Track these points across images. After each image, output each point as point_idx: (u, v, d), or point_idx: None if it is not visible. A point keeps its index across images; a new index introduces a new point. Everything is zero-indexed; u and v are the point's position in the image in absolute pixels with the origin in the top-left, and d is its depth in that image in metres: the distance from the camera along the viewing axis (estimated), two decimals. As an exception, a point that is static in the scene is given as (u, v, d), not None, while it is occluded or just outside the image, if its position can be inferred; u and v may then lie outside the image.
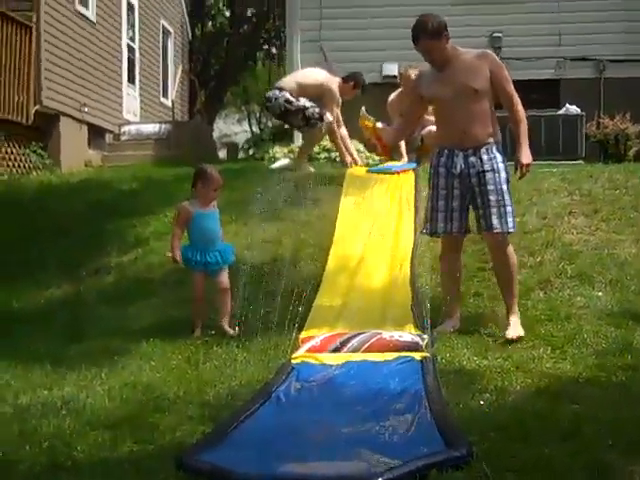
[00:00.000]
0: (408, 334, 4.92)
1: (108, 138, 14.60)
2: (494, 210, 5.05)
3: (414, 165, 8.50)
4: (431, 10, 12.07)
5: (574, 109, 10.41)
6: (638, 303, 5.45)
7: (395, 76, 11.68)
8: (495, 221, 5.05)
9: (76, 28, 13.24)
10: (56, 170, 11.75)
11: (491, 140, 5.16)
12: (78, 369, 4.64)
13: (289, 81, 8.86)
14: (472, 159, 5.11)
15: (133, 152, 13.73)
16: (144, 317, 5.83)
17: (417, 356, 4.53)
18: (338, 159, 9.31)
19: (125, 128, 15.02)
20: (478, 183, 5.09)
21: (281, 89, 8.68)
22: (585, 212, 7.10)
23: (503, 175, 5.11)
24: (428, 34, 5.12)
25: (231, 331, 5.27)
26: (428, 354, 4.57)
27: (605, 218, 6.96)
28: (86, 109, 13.31)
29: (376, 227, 6.83)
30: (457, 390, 4.00)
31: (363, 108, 5.92)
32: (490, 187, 5.06)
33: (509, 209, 5.07)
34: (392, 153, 9.51)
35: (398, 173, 8.17)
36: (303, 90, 8.62)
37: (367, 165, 9.21)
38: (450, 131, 5.20)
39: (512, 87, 5.24)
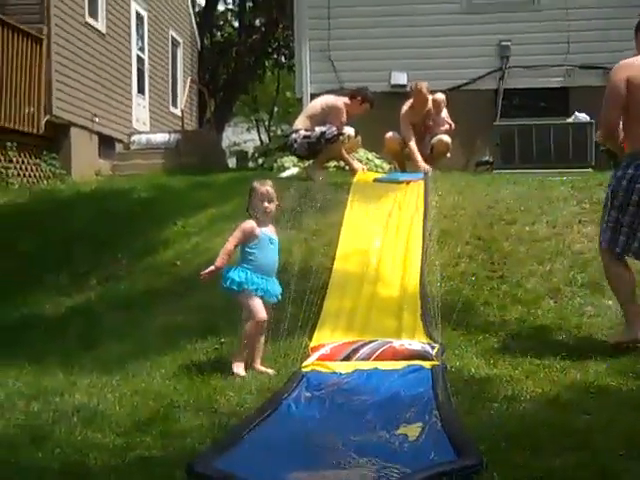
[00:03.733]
0: (418, 342, 4.92)
1: (118, 147, 14.67)
2: None
3: (421, 175, 8.50)
4: (441, 19, 12.34)
5: (583, 117, 10.38)
6: (648, 312, 5.43)
7: (404, 85, 11.71)
8: None
9: (86, 40, 13.33)
10: (67, 179, 11.84)
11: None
12: (89, 376, 4.68)
13: (300, 120, 9.08)
14: None
15: (143, 161, 13.78)
16: (154, 325, 5.85)
17: (427, 365, 4.53)
18: (347, 168, 9.37)
19: (135, 137, 15.08)
20: None
21: (296, 131, 8.92)
22: (595, 220, 7.03)
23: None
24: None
25: (270, 370, 4.73)
26: (438, 363, 4.57)
27: (615, 227, 6.93)
28: (97, 119, 13.39)
29: (385, 235, 6.82)
30: (467, 399, 3.99)
31: None
32: None
33: (603, 226, 4.96)
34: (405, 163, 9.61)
35: (407, 183, 8.15)
36: (314, 120, 8.85)
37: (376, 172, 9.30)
38: None
39: None
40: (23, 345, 5.61)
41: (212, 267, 4.79)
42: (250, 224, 4.85)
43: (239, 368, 4.67)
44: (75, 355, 5.26)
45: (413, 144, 9.21)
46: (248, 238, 4.83)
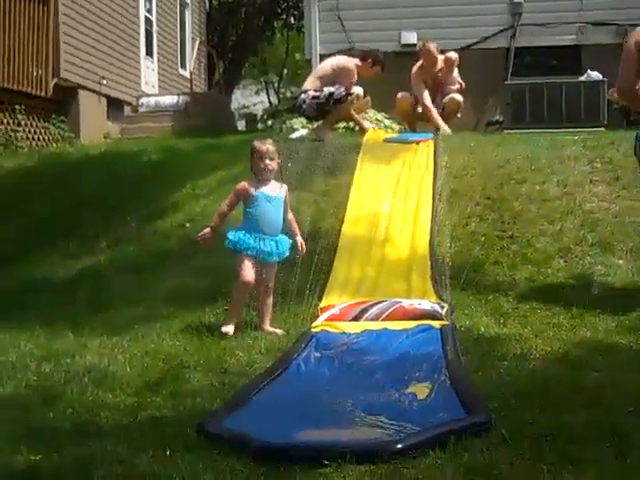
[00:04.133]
0: (427, 302, 4.92)
1: (126, 110, 14.61)
2: None
3: (431, 135, 8.44)
4: (449, -22, 12.12)
5: (596, 75, 10.26)
6: (660, 271, 5.42)
7: (413, 44, 11.58)
8: None
9: (94, 1, 13.22)
10: (76, 142, 11.82)
11: None
12: (100, 338, 4.70)
13: (309, 81, 9.01)
14: None
15: (152, 124, 13.71)
16: (163, 287, 5.87)
17: (436, 324, 4.54)
18: (357, 129, 9.31)
19: (143, 100, 15.00)
20: None
21: (305, 91, 8.86)
22: (606, 180, 7.02)
23: None
24: None
25: (279, 331, 4.77)
26: (448, 322, 4.57)
27: (626, 186, 6.87)
28: (105, 82, 13.33)
29: (395, 196, 6.78)
30: (477, 357, 4.00)
31: None
32: None
33: None
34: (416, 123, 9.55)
35: (417, 143, 8.10)
36: (324, 81, 8.78)
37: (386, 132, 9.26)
38: None
39: None
40: (33, 308, 5.64)
41: (207, 229, 4.91)
42: (242, 184, 4.92)
43: (227, 327, 4.71)
44: (85, 317, 5.28)
45: (428, 101, 9.11)
46: (244, 198, 4.87)
